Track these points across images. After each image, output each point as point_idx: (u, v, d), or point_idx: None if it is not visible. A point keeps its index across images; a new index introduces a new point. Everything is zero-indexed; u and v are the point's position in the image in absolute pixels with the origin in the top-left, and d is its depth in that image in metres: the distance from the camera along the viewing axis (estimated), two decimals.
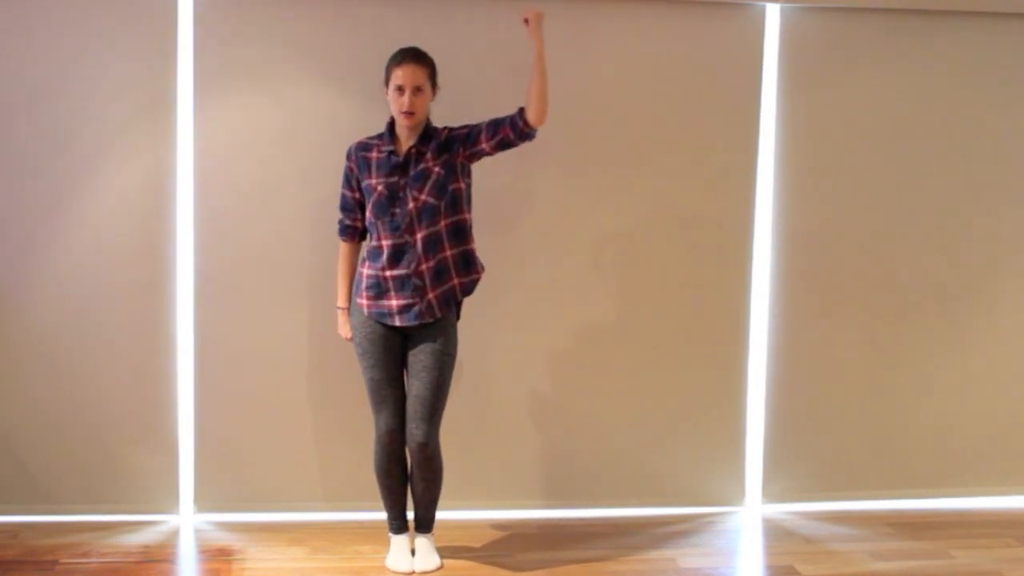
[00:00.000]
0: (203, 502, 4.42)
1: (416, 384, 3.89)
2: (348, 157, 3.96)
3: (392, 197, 3.86)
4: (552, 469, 4.55)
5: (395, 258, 3.87)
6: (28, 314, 4.28)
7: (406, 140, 3.90)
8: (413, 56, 3.83)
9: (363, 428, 4.14)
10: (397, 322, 3.89)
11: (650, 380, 4.56)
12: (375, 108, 4.05)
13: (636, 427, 4.57)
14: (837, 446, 4.69)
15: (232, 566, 4.00)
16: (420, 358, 3.89)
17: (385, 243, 3.87)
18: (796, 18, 4.48)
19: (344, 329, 4.04)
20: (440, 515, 4.07)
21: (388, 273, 3.88)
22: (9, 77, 4.19)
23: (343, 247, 4.03)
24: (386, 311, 3.90)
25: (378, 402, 3.94)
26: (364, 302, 3.92)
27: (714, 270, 4.55)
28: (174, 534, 4.29)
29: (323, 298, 4.29)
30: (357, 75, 4.26)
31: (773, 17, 4.47)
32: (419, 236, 3.85)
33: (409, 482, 4.01)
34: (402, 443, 3.96)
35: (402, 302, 3.88)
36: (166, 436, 4.37)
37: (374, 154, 3.91)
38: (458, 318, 4.00)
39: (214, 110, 4.28)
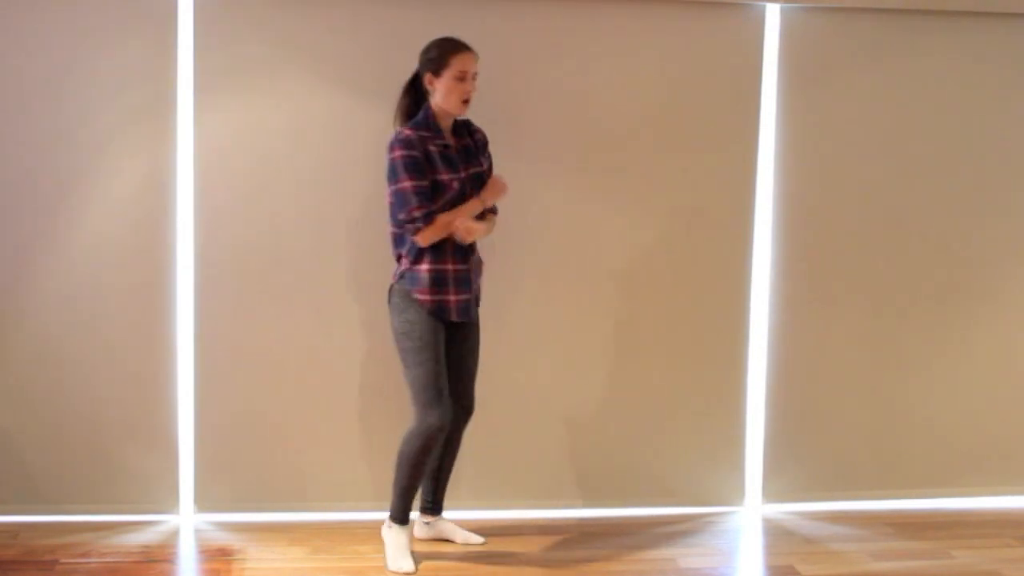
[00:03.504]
0: (203, 502, 4.42)
1: (468, 361, 4.04)
2: (411, 146, 3.82)
3: (462, 193, 3.90)
4: (552, 469, 4.55)
5: (457, 253, 3.91)
6: (28, 314, 4.27)
7: (448, 134, 3.93)
8: (469, 45, 3.90)
9: (364, 427, 4.14)
10: (454, 317, 3.92)
11: (650, 380, 4.56)
12: (375, 106, 4.05)
13: (636, 427, 4.57)
14: (837, 446, 4.69)
15: (232, 566, 3.99)
16: (468, 337, 4.03)
17: (448, 238, 3.89)
18: (796, 18, 4.48)
19: (464, 217, 3.85)
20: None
21: (451, 267, 3.91)
22: (8, 77, 4.18)
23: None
24: (444, 306, 3.91)
25: (435, 395, 3.89)
26: (425, 297, 3.88)
27: (714, 269, 4.55)
28: (174, 534, 4.28)
29: (324, 298, 4.29)
30: (357, 74, 4.26)
31: (773, 17, 4.47)
32: None
33: (443, 465, 4.14)
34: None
35: (459, 297, 3.93)
36: (166, 436, 4.37)
37: (432, 147, 3.88)
38: None
39: (214, 109, 4.27)
